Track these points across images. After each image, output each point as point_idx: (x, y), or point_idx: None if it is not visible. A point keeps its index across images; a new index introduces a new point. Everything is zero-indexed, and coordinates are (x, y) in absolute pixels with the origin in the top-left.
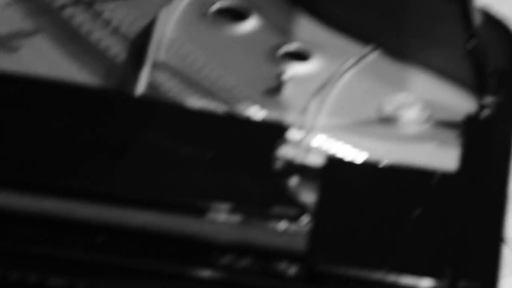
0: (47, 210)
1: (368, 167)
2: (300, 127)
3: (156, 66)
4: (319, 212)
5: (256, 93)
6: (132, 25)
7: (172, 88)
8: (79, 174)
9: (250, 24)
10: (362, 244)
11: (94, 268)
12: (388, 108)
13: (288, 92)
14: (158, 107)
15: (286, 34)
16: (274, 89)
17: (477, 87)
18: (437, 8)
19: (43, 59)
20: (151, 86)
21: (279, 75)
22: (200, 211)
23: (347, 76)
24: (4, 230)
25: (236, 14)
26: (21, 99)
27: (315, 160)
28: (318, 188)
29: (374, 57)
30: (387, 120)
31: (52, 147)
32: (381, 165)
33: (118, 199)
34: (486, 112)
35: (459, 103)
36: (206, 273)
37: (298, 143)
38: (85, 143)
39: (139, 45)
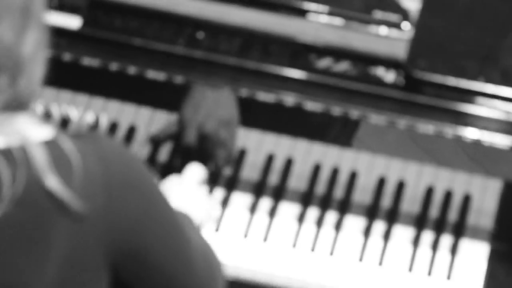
0: (151, 3)
1: None
2: None
3: None
4: (421, 19)
5: None
6: None
7: None
8: None
9: None
10: (461, 53)
11: (193, 63)
12: None
13: None
14: None
15: None
16: None
17: None
18: None
19: None
20: None
21: None
22: (301, 12)
23: None
24: (107, 20)
25: None
26: None
27: None
28: None
29: None
30: None
31: None
32: None
33: None
34: None
35: None
36: (303, 74)
37: None
38: None
39: None
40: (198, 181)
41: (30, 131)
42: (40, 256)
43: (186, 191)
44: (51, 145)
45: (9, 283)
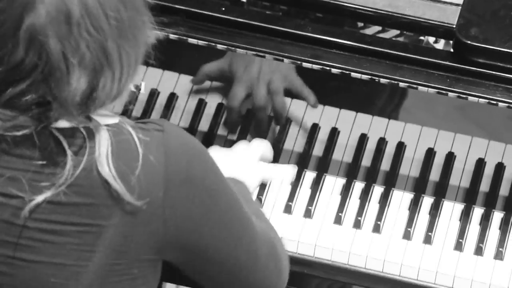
0: None
1: None
2: None
3: None
4: None
5: None
6: None
7: None
8: None
9: None
10: None
11: (236, 29)
12: None
13: None
14: None
15: None
16: None
17: None
18: None
19: None
20: None
21: None
22: None
23: None
24: None
25: None
26: None
27: None
28: None
29: None
30: None
31: None
32: None
33: None
34: None
35: None
36: (350, 42)
37: None
38: None
39: None
40: (262, 157)
41: (98, 119)
42: (89, 241)
43: (239, 159)
44: (115, 133)
45: (56, 264)
